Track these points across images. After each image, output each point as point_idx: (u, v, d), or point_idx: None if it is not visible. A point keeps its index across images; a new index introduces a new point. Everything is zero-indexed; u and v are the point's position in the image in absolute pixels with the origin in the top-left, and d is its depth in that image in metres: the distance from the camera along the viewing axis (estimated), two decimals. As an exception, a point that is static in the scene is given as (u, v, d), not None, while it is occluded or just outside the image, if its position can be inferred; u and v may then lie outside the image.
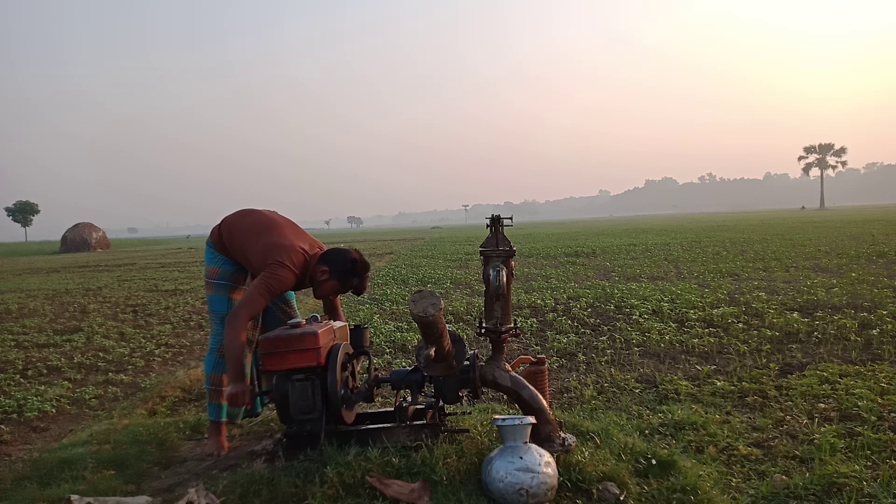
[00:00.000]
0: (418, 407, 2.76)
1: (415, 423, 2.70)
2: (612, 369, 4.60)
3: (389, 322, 6.87)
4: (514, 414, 3.00)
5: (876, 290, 7.30)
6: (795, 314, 6.08)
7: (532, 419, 2.49)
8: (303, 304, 8.13)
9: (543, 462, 2.33)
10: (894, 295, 7.02)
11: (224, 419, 3.14)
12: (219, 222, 3.20)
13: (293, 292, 3.34)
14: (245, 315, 2.81)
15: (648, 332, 5.69)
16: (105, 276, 16.10)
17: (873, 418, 3.22)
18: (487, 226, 2.79)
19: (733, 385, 4.00)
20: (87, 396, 4.60)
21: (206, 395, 3.18)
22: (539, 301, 7.74)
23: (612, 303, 7.42)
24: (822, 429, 3.14)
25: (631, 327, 6.00)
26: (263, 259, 2.92)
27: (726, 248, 15.29)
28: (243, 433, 3.42)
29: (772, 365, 4.40)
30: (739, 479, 2.69)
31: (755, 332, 5.53)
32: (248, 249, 3.00)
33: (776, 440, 3.07)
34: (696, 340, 5.28)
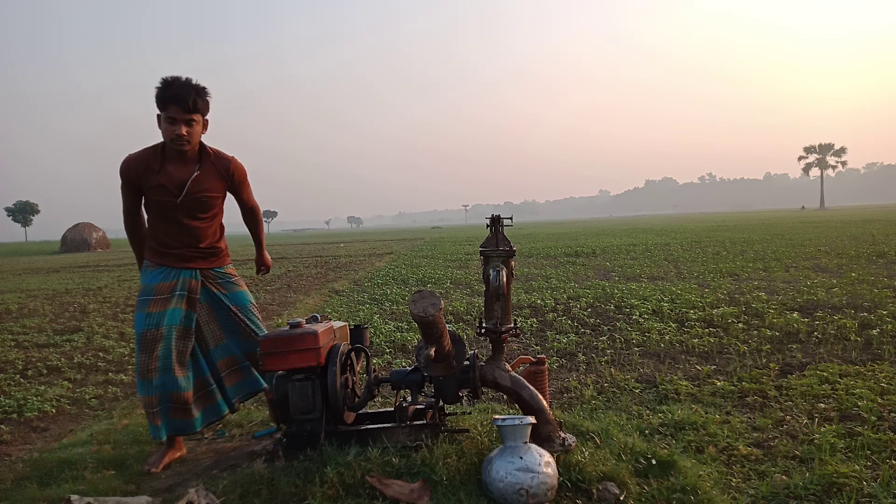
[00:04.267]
0: (418, 407, 2.76)
1: (415, 423, 2.70)
2: (612, 369, 4.60)
3: (389, 322, 6.87)
4: (514, 414, 3.00)
5: (876, 290, 7.30)
6: (795, 314, 6.08)
7: (532, 419, 2.48)
8: (302, 305, 8.13)
9: (543, 462, 2.33)
10: (894, 295, 7.02)
11: (163, 437, 2.95)
12: None
13: (247, 297, 3.16)
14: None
15: (648, 332, 5.69)
16: (105, 276, 16.09)
17: (873, 418, 3.22)
18: (487, 226, 2.79)
19: (733, 385, 4.00)
20: (87, 396, 4.60)
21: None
22: (539, 301, 7.74)
23: (612, 303, 7.42)
24: (822, 429, 3.14)
25: (631, 327, 6.00)
26: None
27: (726, 248, 15.29)
28: (243, 433, 3.42)
29: (772, 365, 4.40)
30: (739, 479, 2.69)
31: (755, 332, 5.53)
32: None
33: (776, 440, 3.07)
34: (696, 340, 5.28)
